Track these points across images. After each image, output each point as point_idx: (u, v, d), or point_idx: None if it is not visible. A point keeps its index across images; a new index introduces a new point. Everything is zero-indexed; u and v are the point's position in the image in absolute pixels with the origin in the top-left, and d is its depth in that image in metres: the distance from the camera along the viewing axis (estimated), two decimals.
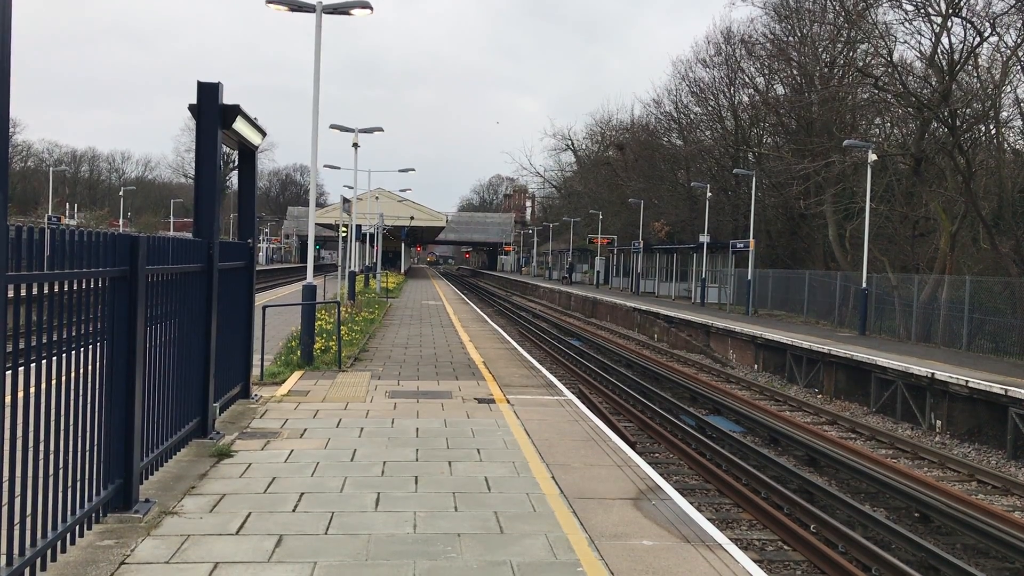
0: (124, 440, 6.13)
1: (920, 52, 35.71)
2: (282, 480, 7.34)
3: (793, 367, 23.45)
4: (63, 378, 5.13)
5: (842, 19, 37.62)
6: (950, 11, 30.28)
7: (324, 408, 10.82)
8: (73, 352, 5.26)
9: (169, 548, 5.60)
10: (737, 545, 6.26)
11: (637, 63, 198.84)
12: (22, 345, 4.60)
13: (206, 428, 8.57)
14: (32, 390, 4.68)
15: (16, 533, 4.59)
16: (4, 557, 4.48)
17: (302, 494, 6.93)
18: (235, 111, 8.81)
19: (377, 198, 56.64)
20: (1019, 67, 29.96)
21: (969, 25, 29.56)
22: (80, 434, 5.43)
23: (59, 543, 5.18)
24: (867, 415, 19.13)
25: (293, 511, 6.49)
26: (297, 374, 13.75)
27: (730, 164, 49.58)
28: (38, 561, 4.87)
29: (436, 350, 18.12)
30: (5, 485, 4.41)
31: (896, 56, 34.73)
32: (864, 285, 27.56)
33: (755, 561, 6.19)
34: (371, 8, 15.52)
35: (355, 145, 34.19)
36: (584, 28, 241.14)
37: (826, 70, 41.07)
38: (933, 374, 17.44)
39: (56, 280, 4.97)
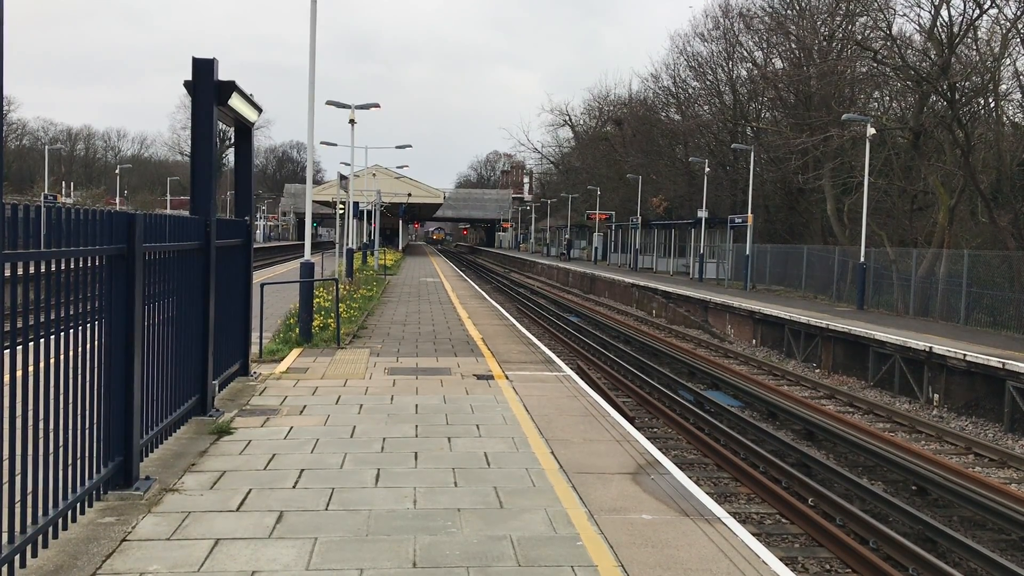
0: (124, 418, 6.14)
1: (919, 25, 35.49)
2: (282, 457, 7.37)
3: (791, 342, 23.49)
4: (62, 357, 5.13)
5: None
6: None
7: (323, 385, 10.84)
8: (72, 331, 5.25)
9: (170, 525, 5.63)
10: (736, 519, 6.29)
11: (635, 37, 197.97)
12: (20, 324, 4.60)
13: (205, 405, 8.59)
14: (32, 369, 4.68)
15: (17, 511, 4.61)
16: (6, 535, 4.50)
17: (302, 471, 6.96)
18: (230, 87, 8.76)
19: (374, 175, 56.43)
20: (1018, 40, 29.76)
21: None
22: (80, 412, 5.44)
23: (60, 520, 5.21)
24: (865, 389, 19.19)
25: (293, 487, 6.52)
26: (296, 351, 13.76)
27: (728, 139, 49.43)
28: (39, 538, 4.90)
29: (435, 327, 18.13)
30: (6, 463, 4.42)
31: (895, 29, 34.58)
32: (862, 259, 27.56)
33: (753, 535, 6.23)
34: None
35: (352, 121, 34.06)
36: (581, 1, 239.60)
37: (825, 43, 40.78)
38: (931, 348, 17.48)
39: (53, 259, 4.96)
